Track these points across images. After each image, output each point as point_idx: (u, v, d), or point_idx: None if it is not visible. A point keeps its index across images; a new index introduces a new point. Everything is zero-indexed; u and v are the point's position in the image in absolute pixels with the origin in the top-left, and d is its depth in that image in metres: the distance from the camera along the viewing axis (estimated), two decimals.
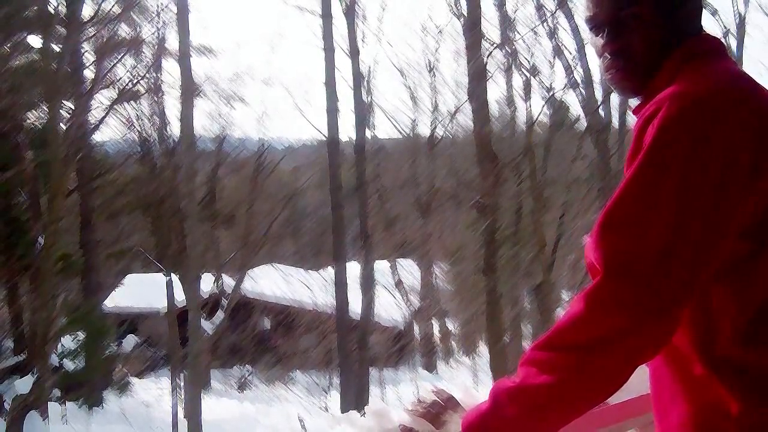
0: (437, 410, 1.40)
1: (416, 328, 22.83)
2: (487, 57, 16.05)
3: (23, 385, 13.98)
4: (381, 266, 20.71)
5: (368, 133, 19.95)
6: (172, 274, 18.28)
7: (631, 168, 1.20)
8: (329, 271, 19.53)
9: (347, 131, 19.52)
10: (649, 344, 1.17)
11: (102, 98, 18.95)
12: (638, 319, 1.13)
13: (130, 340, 21.04)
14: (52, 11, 15.41)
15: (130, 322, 21.02)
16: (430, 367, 22.38)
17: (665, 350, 1.22)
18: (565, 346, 1.17)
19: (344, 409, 15.83)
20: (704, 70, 1.27)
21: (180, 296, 17.64)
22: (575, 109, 19.16)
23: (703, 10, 1.41)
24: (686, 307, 1.18)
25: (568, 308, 1.20)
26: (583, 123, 18.14)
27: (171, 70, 20.69)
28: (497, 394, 1.22)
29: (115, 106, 19.12)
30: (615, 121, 17.70)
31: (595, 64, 16.40)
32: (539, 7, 17.26)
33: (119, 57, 18.38)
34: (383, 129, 36.69)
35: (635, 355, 1.17)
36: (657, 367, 1.32)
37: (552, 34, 17.52)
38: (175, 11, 16.66)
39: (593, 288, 1.17)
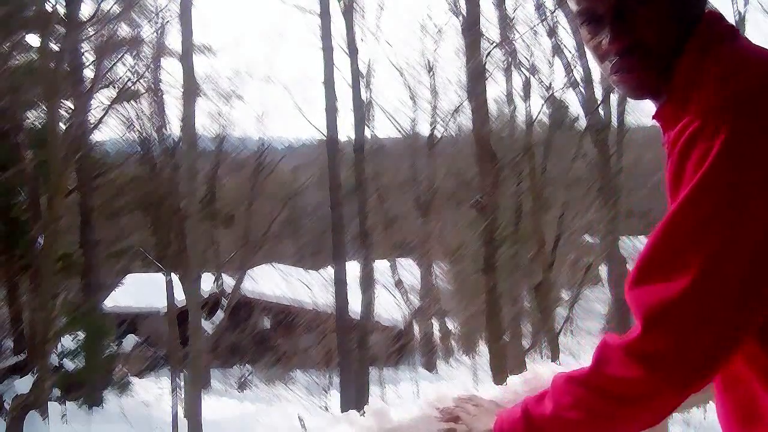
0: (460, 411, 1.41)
1: (416, 328, 22.83)
2: (487, 56, 16.05)
3: (23, 384, 13.99)
4: (381, 266, 20.72)
5: (368, 133, 20.00)
6: (172, 274, 18.28)
7: (675, 202, 1.06)
8: (329, 271, 19.54)
9: (347, 131, 19.55)
10: (685, 396, 1.10)
11: (102, 98, 18.98)
12: (677, 377, 1.06)
13: (130, 340, 21.03)
14: (51, 11, 15.41)
15: (130, 321, 21.02)
16: (430, 366, 22.38)
17: (752, 374, 1.14)
18: (601, 390, 1.13)
19: (344, 408, 15.82)
20: (731, 59, 1.11)
21: (180, 296, 17.63)
22: (575, 108, 19.19)
23: None
24: (733, 354, 1.08)
25: (606, 349, 1.14)
26: (583, 122, 18.15)
27: (171, 69, 20.72)
28: (531, 412, 1.21)
29: (115, 106, 19.13)
30: (614, 120, 17.72)
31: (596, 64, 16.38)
32: (539, 6, 17.28)
33: (119, 56, 18.39)
34: (383, 128, 36.72)
35: (670, 406, 1.12)
36: (737, 391, 1.18)
37: (551, 32, 17.54)
38: (177, 10, 16.68)
39: (632, 341, 1.09)
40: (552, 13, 17.15)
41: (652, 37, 1.14)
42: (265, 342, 22.16)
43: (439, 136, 22.14)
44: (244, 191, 23.11)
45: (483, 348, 19.89)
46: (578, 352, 19.11)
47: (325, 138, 18.10)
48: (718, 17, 1.17)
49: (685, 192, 1.04)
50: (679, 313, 1.04)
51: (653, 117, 1.21)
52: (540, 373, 1.76)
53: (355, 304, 17.70)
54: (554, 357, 17.09)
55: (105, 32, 17.03)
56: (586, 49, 1.26)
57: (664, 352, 1.05)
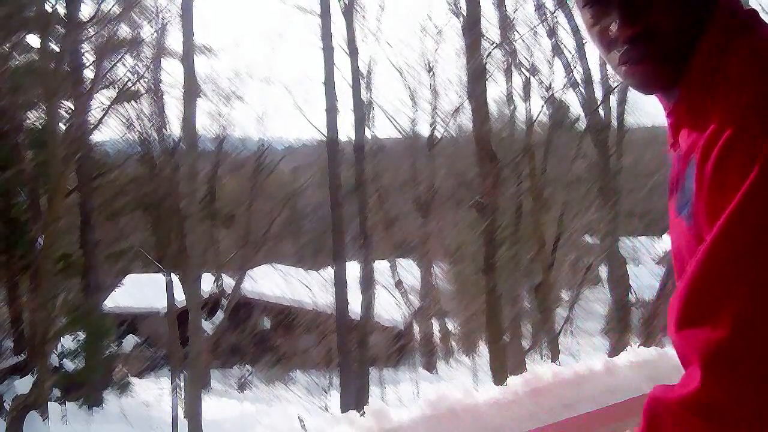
0: None
1: (416, 328, 22.83)
2: (487, 56, 16.07)
3: (23, 385, 13.99)
4: (381, 266, 20.72)
5: (368, 133, 20.01)
6: (172, 274, 18.28)
7: (719, 224, 0.88)
8: (329, 271, 19.54)
9: (347, 131, 19.56)
10: None
11: (102, 98, 18.98)
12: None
13: (130, 340, 21.04)
14: (51, 11, 15.42)
15: (130, 322, 21.02)
16: (430, 367, 22.38)
17: None
18: None
19: (344, 409, 15.83)
20: (760, 50, 0.95)
21: (180, 296, 17.64)
22: (575, 108, 19.20)
23: None
24: None
25: (659, 407, 0.93)
26: (583, 122, 18.16)
27: (171, 70, 20.72)
28: None
29: (115, 106, 19.13)
30: (614, 121, 17.72)
31: (596, 60, 16.36)
32: (539, 7, 17.29)
33: (119, 57, 18.40)
34: (383, 128, 36.76)
35: None
36: None
37: (551, 33, 17.55)
38: (178, 11, 16.72)
39: (692, 394, 0.88)
40: (552, 13, 17.17)
41: (667, 23, 0.99)
42: (265, 342, 22.16)
43: (439, 136, 22.16)
44: (244, 191, 23.13)
45: (483, 348, 19.88)
46: (578, 353, 19.12)
47: (325, 138, 18.11)
48: (737, 0, 1.03)
49: (728, 215, 0.87)
50: (749, 356, 0.85)
51: (667, 115, 1.05)
52: (540, 373, 1.77)
53: (355, 305, 17.71)
54: (554, 357, 17.10)
55: (105, 32, 17.03)
56: (589, 36, 1.08)
57: (733, 403, 0.86)
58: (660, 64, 1.00)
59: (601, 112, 17.31)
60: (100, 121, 18.48)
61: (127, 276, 22.51)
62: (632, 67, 1.02)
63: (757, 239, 0.86)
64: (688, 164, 0.96)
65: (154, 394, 18.63)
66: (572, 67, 17.35)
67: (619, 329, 16.89)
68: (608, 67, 1.12)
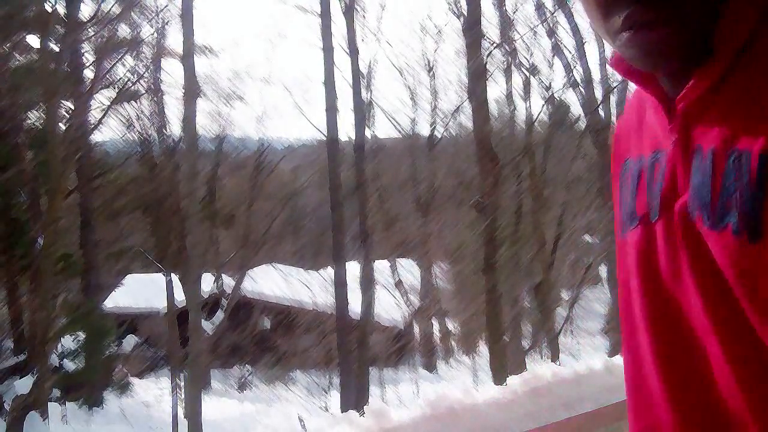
0: None
1: (416, 328, 22.83)
2: (487, 56, 16.07)
3: (23, 385, 13.99)
4: (381, 266, 20.71)
5: (368, 133, 20.01)
6: (172, 274, 18.28)
7: None
8: (329, 271, 19.54)
9: (347, 130, 19.57)
10: None
11: (102, 98, 18.98)
12: None
13: (130, 340, 21.02)
14: (51, 11, 15.41)
15: (130, 322, 21.01)
16: (430, 366, 22.37)
17: None
18: None
19: (344, 409, 15.83)
20: None
21: (180, 296, 17.64)
22: (575, 108, 19.23)
23: None
24: None
25: None
26: (583, 122, 18.18)
27: (171, 70, 20.71)
28: None
29: (115, 106, 19.13)
30: (614, 120, 17.72)
31: (596, 60, 16.34)
32: (539, 7, 17.30)
33: (119, 57, 18.39)
34: (383, 128, 36.80)
35: None
36: None
37: (551, 33, 17.56)
38: (178, 11, 16.73)
39: None
40: (552, 13, 17.18)
41: None
42: (265, 342, 22.15)
43: (439, 136, 22.18)
44: (244, 191, 23.12)
45: (483, 348, 19.88)
46: (578, 352, 19.12)
47: (325, 138, 18.11)
48: None
49: None
50: None
51: (674, 100, 0.78)
52: (540, 373, 1.77)
53: (355, 305, 17.70)
54: (554, 357, 17.10)
55: (105, 32, 17.03)
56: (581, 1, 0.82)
57: None
58: (677, 31, 0.74)
59: (601, 111, 17.32)
60: (100, 121, 18.48)
61: (127, 276, 22.51)
62: (638, 33, 0.75)
63: None
64: (726, 163, 0.71)
65: (154, 394, 18.63)
66: (572, 67, 17.38)
67: (619, 329, 16.89)
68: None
